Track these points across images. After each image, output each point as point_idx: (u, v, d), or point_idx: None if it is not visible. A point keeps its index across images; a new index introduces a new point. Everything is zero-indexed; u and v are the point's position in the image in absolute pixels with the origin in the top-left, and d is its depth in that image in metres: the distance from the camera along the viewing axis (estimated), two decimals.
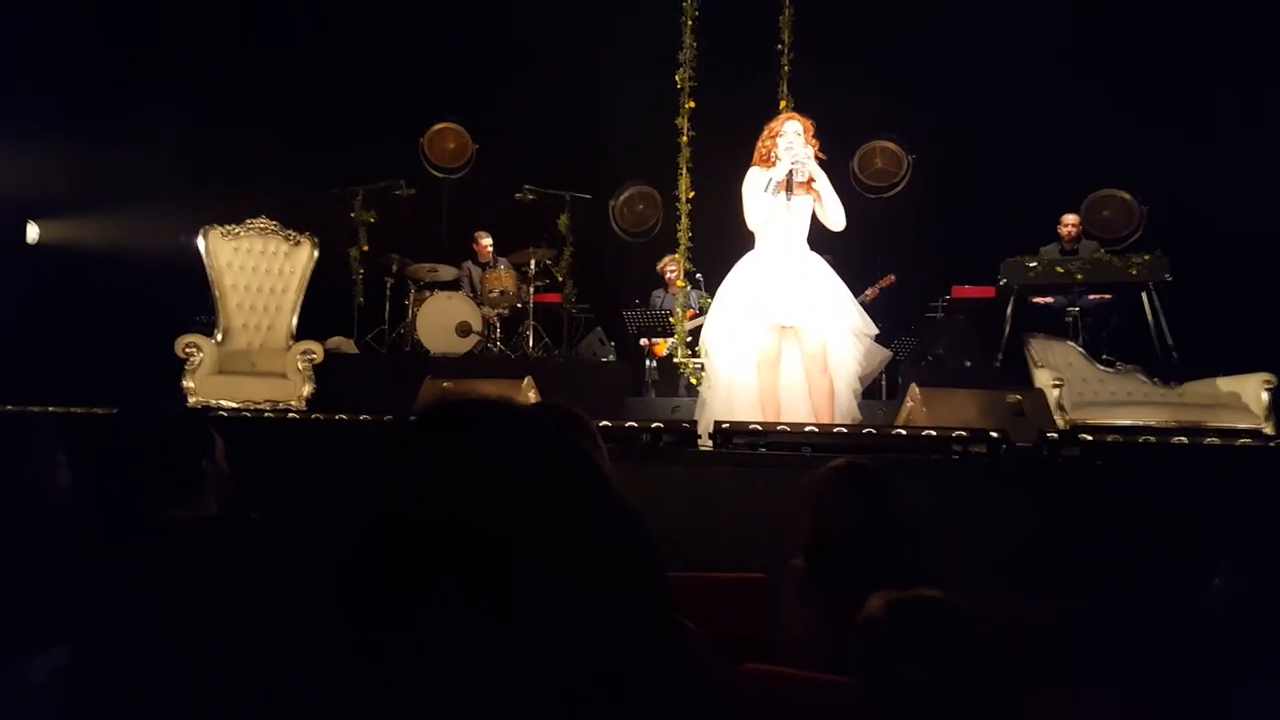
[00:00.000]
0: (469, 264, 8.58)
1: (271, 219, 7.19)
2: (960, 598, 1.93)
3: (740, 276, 5.23)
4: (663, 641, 0.58)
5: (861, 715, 1.73)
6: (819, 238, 5.31)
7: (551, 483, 0.57)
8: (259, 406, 6.33)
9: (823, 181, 5.09)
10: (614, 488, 0.60)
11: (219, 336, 6.80)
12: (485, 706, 0.53)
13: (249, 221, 7.13)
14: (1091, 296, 7.48)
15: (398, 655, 0.52)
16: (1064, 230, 7.74)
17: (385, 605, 0.53)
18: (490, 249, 8.52)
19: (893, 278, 8.01)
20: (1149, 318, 7.18)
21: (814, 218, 5.19)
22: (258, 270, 7.07)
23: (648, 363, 7.78)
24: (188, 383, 6.41)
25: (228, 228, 7.06)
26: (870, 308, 5.68)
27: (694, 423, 4.84)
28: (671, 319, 7.47)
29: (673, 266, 7.81)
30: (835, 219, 5.14)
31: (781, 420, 4.91)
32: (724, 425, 4.53)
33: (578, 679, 0.53)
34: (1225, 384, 6.42)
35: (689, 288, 7.48)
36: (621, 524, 0.59)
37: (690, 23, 7.29)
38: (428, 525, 0.54)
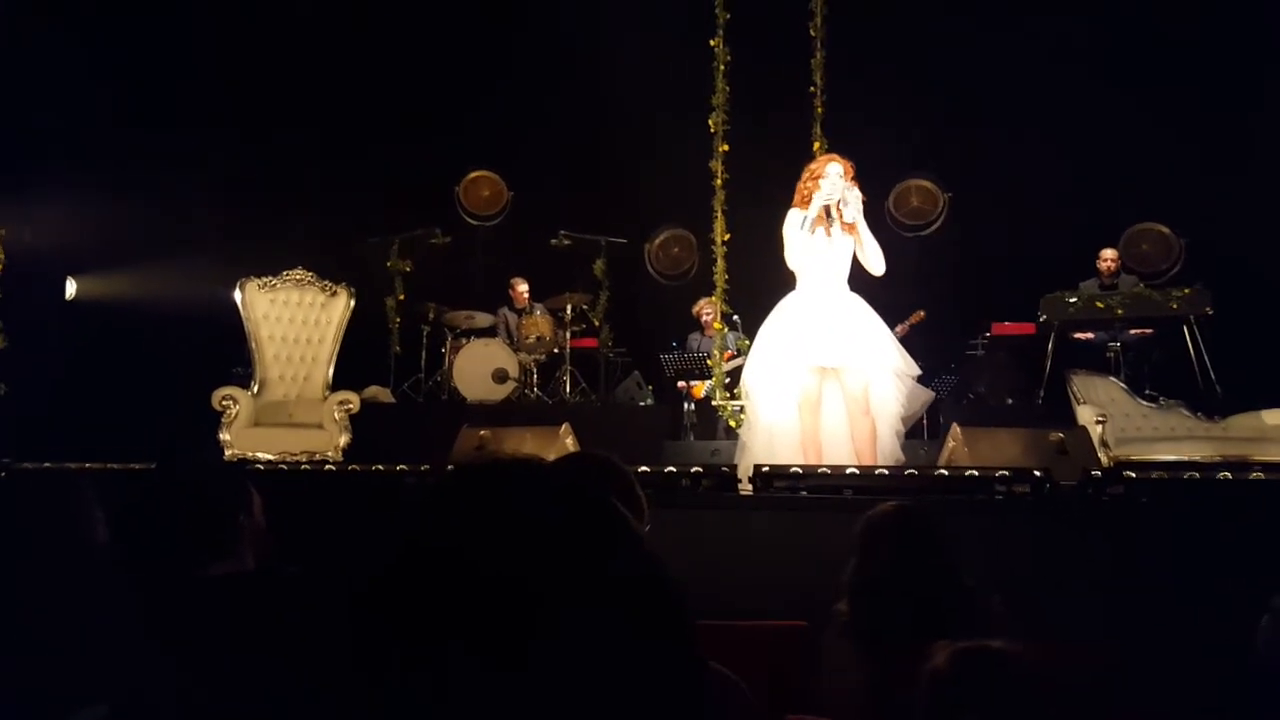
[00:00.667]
0: (505, 310, 8.62)
1: (308, 270, 7.30)
2: (1023, 647, 1.87)
3: (781, 317, 5.21)
4: (687, 691, 0.60)
5: None
6: (853, 276, 5.29)
7: (577, 536, 0.60)
8: (296, 458, 6.37)
9: (862, 227, 5.08)
10: (640, 539, 0.63)
11: (255, 388, 6.87)
12: None
13: (285, 273, 7.23)
14: (1133, 331, 7.39)
15: (429, 701, 0.55)
16: (1102, 265, 7.66)
17: (416, 651, 0.56)
18: (526, 295, 8.56)
19: (922, 314, 7.88)
20: (1191, 352, 7.06)
21: (855, 258, 5.17)
22: (294, 321, 7.16)
23: (686, 406, 7.76)
24: (224, 435, 6.47)
25: (264, 279, 7.16)
26: (904, 345, 5.64)
27: (733, 467, 4.80)
28: (709, 361, 7.45)
29: (709, 309, 7.81)
30: (875, 264, 5.12)
31: (823, 463, 4.85)
32: (764, 469, 4.48)
33: None
34: (1270, 416, 6.31)
35: (726, 330, 7.47)
36: (645, 575, 0.61)
37: (723, 67, 7.36)
38: (460, 574, 0.57)
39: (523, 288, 8.57)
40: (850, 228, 5.07)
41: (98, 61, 7.82)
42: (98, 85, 7.79)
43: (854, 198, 5.04)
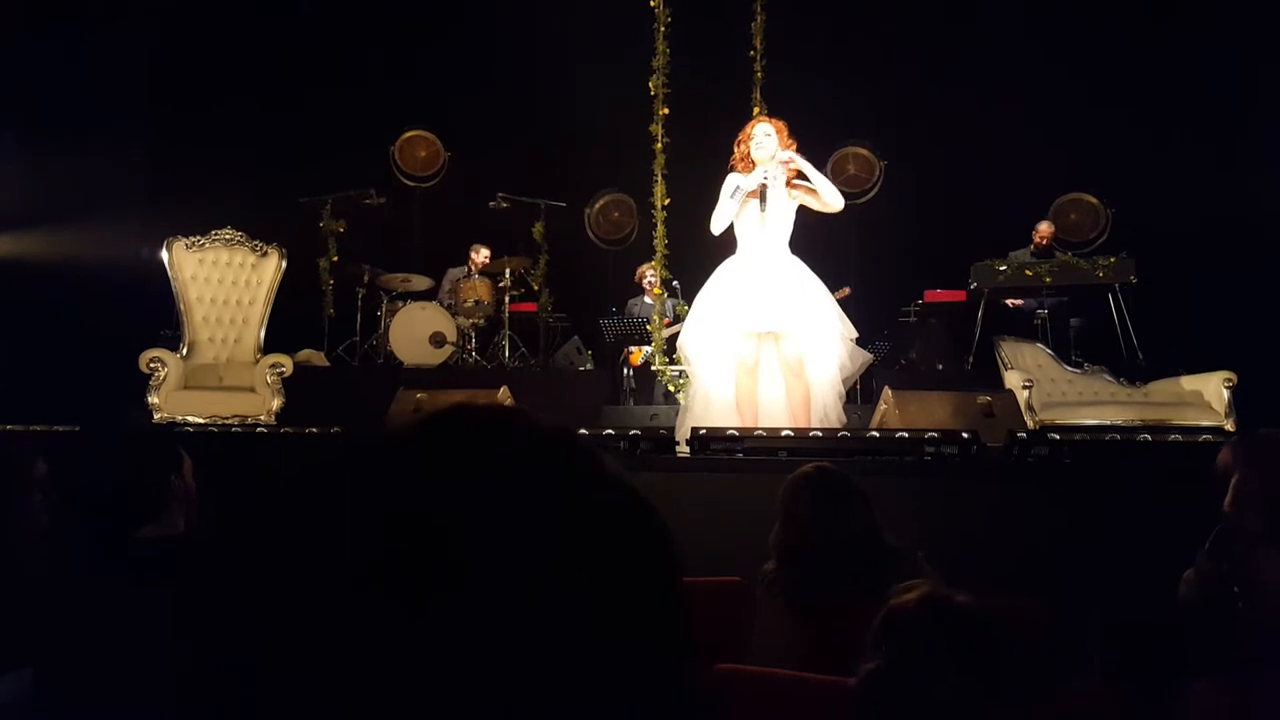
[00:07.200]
0: (452, 270, 8.45)
1: (238, 230, 7.12)
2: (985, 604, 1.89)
3: (719, 282, 5.20)
4: (670, 623, 0.56)
5: (835, 713, 1.71)
6: (793, 241, 5.30)
7: (549, 465, 0.57)
8: (227, 421, 6.26)
9: (808, 169, 5.04)
10: (608, 464, 0.60)
11: (184, 351, 6.72)
12: (490, 695, 0.50)
13: (214, 233, 7.04)
14: (1060, 298, 7.56)
15: (395, 655, 0.50)
16: (1038, 238, 7.82)
17: (382, 606, 0.51)
18: (486, 262, 8.31)
19: (848, 290, 7.64)
20: (1115, 319, 7.28)
21: (795, 220, 5.15)
22: (224, 282, 6.99)
23: (624, 371, 7.76)
24: (153, 398, 6.32)
25: (192, 239, 6.97)
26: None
27: (671, 430, 4.83)
28: (648, 327, 7.46)
29: (651, 273, 7.78)
30: (832, 200, 5.04)
31: (759, 426, 4.91)
32: (701, 432, 4.52)
33: (576, 659, 0.51)
34: (1188, 383, 6.53)
35: (665, 295, 7.48)
36: (624, 498, 0.59)
37: (663, 29, 7.28)
38: (426, 521, 0.52)
39: (485, 253, 8.33)
40: (803, 186, 5.06)
41: (13, 12, 7.49)
42: (15, 37, 7.47)
43: (786, 158, 5.02)
